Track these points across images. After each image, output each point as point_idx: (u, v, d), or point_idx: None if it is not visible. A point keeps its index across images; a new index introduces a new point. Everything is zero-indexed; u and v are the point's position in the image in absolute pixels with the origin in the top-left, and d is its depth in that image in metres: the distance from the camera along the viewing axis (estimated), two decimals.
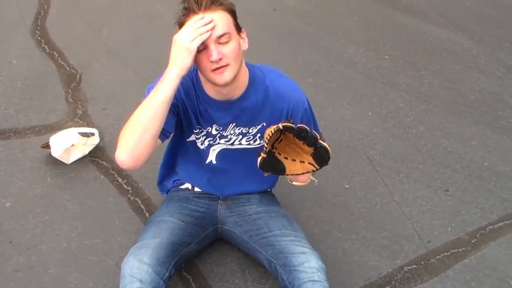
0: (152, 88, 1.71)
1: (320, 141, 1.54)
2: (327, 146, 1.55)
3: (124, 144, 1.69)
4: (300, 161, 1.64)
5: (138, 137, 1.67)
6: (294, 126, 1.52)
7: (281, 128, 1.51)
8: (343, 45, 3.99)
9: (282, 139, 1.61)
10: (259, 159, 1.60)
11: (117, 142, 1.73)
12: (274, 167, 1.64)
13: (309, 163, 1.62)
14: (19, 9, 4.19)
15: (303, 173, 1.66)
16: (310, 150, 1.58)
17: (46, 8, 4.22)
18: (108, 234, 2.27)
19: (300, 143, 1.57)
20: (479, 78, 3.66)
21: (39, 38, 3.78)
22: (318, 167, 1.62)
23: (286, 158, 1.64)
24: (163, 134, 1.77)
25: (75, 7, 4.29)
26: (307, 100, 1.94)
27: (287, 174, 1.67)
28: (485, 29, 4.37)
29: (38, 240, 2.22)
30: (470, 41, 4.16)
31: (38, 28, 3.92)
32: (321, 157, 1.58)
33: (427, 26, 4.39)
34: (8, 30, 3.88)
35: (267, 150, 1.59)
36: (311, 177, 1.82)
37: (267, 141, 1.55)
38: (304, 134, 1.52)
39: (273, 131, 1.52)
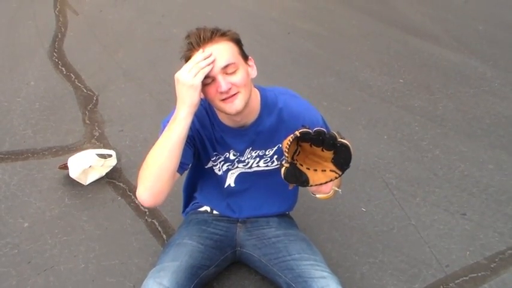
0: (167, 122, 1.72)
1: (340, 139, 1.50)
2: (348, 143, 1.51)
3: (143, 184, 1.71)
4: (322, 170, 1.61)
5: (156, 176, 1.69)
6: (310, 130, 1.49)
7: (298, 135, 1.49)
8: (357, 69, 4.02)
9: (299, 151, 1.59)
10: (282, 169, 1.57)
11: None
12: (297, 177, 1.60)
13: (330, 170, 1.59)
14: (37, 32, 4.27)
15: (326, 182, 1.62)
16: (330, 156, 1.55)
17: (63, 30, 4.30)
18: (125, 256, 2.27)
19: (319, 150, 1.54)
20: (494, 102, 3.66)
21: (57, 60, 3.84)
22: (340, 173, 1.59)
23: (308, 169, 1.61)
24: (181, 168, 1.78)
25: (92, 30, 4.36)
26: (322, 118, 1.94)
27: (311, 185, 1.63)
28: (498, 52, 4.38)
29: (55, 261, 2.23)
30: (484, 65, 4.17)
31: (56, 50, 3.99)
32: (343, 156, 1.54)
33: (441, 49, 4.41)
34: (26, 52, 3.95)
35: (289, 161, 1.57)
36: (334, 187, 1.77)
37: (286, 150, 1.52)
38: (322, 137, 1.50)
39: (291, 140, 1.50)
